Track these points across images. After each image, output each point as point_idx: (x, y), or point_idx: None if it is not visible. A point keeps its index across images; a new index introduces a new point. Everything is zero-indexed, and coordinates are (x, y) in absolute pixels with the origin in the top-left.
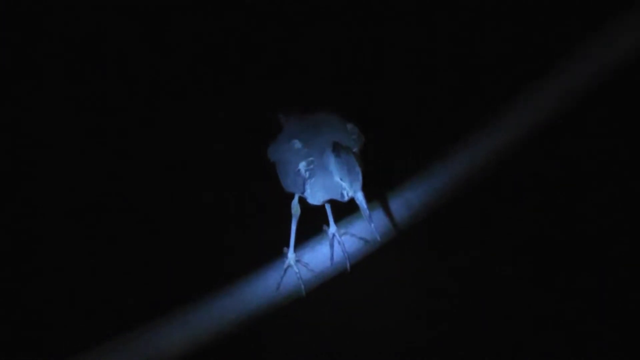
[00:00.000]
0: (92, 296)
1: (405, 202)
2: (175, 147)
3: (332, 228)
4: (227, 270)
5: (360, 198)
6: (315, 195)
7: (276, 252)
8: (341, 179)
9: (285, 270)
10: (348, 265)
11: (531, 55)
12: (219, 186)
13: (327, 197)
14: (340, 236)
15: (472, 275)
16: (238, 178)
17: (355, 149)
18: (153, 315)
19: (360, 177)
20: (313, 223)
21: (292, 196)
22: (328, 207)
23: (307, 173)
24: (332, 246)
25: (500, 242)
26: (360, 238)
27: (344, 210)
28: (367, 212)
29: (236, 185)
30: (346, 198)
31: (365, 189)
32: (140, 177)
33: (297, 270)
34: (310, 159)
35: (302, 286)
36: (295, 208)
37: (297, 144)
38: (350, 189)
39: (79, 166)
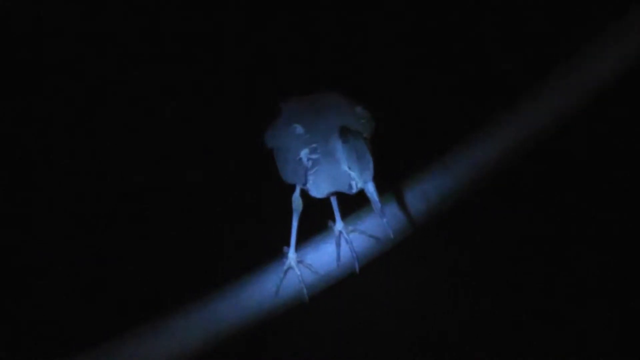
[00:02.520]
0: (83, 299)
1: (422, 194)
2: (169, 143)
3: (339, 224)
4: (219, 272)
5: (371, 189)
6: (319, 187)
7: (275, 252)
8: (349, 168)
9: (285, 272)
10: (357, 266)
11: (557, 41)
12: (212, 178)
13: (333, 189)
14: (347, 234)
15: (497, 277)
16: (232, 169)
17: (365, 134)
18: (138, 323)
19: (371, 165)
20: (317, 219)
21: (292, 188)
22: (334, 201)
23: (310, 162)
24: (338, 245)
25: (527, 240)
26: (371, 236)
27: (352, 204)
28: (379, 205)
29: (230, 177)
30: (355, 190)
31: (377, 179)
32: (135, 176)
33: (298, 273)
34: (314, 145)
35: (305, 290)
36: (297, 202)
37: (299, 129)
38: (360, 179)
39: (79, 166)
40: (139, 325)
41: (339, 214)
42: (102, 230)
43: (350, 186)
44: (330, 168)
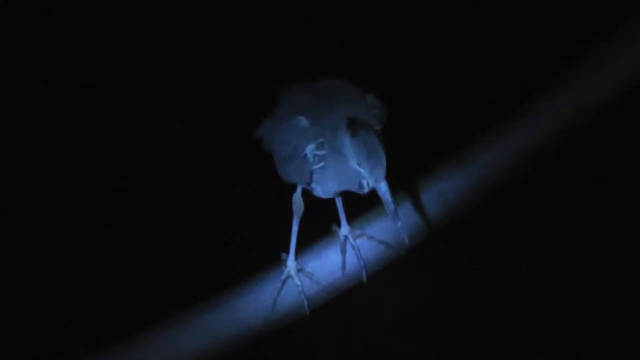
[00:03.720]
0: (72, 307)
1: (438, 195)
2: (165, 148)
3: (345, 229)
4: (210, 282)
5: (383, 189)
6: (326, 187)
7: (273, 259)
8: (359, 165)
9: (284, 281)
10: (364, 275)
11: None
12: (202, 176)
13: (341, 189)
14: (354, 239)
15: (519, 288)
16: (223, 166)
17: (377, 127)
18: (117, 337)
19: (383, 162)
20: (320, 222)
21: (291, 188)
22: (339, 202)
23: (316, 158)
24: (343, 252)
25: (557, 245)
26: (380, 241)
27: (359, 205)
28: (392, 206)
29: (222, 175)
30: (366, 189)
31: (389, 177)
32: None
33: (298, 283)
34: (320, 140)
35: (305, 302)
36: (298, 203)
37: (303, 121)
38: (371, 177)
39: (79, 167)
40: (117, 341)
41: (345, 216)
42: (93, 240)
43: (360, 185)
44: (339, 165)
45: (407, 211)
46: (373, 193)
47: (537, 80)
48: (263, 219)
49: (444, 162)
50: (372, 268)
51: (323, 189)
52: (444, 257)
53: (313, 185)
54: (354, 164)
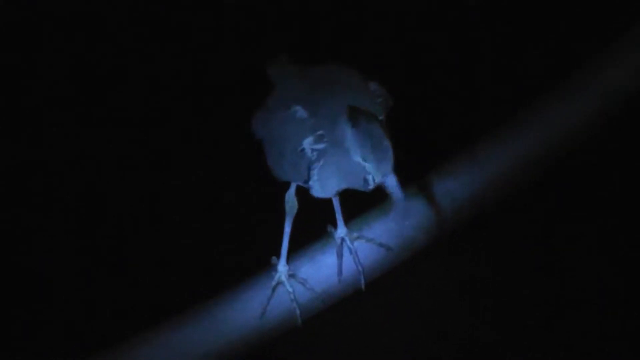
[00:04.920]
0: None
1: (446, 194)
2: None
3: (342, 230)
4: (192, 289)
5: (392, 183)
6: (326, 184)
7: (262, 263)
8: (364, 159)
9: (274, 288)
10: (362, 282)
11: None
12: (184, 173)
13: (343, 187)
14: (352, 241)
15: (532, 297)
16: (208, 161)
17: (381, 117)
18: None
19: (390, 154)
20: (314, 223)
21: (282, 185)
22: (336, 201)
23: (315, 153)
24: (340, 255)
25: (572, 251)
26: (381, 244)
27: (358, 205)
28: (403, 202)
29: (206, 172)
30: (372, 185)
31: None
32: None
33: (290, 290)
34: (320, 132)
35: (298, 312)
36: (291, 202)
37: (300, 112)
38: (378, 172)
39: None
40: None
41: (342, 217)
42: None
43: (365, 181)
44: (340, 160)
45: (411, 212)
46: (374, 191)
47: (551, 77)
48: (251, 220)
49: (452, 158)
50: (371, 274)
51: (322, 187)
52: (449, 262)
53: (311, 183)
54: (357, 157)
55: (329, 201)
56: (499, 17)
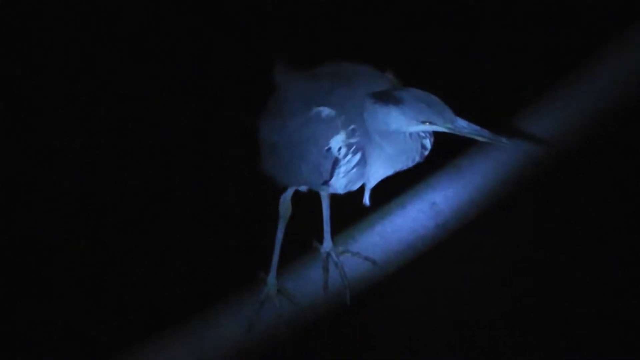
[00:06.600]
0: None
1: (430, 206)
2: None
3: (327, 244)
4: (178, 304)
5: (463, 124)
6: (375, 174)
7: (249, 275)
8: (425, 122)
9: (262, 303)
10: (348, 296)
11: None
12: (165, 179)
13: (390, 172)
14: (337, 256)
15: (520, 301)
16: (191, 167)
17: None
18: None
19: (443, 103)
20: (299, 236)
21: (273, 191)
22: (326, 213)
23: (344, 150)
24: (326, 270)
25: (558, 267)
26: (366, 258)
27: (343, 219)
28: (487, 133)
29: (189, 178)
30: (428, 150)
31: (373, 189)
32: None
33: (278, 305)
34: (352, 127)
35: (285, 327)
36: (286, 205)
37: (326, 111)
38: (445, 123)
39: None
40: None
41: (330, 229)
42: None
43: (423, 147)
44: (388, 145)
45: (392, 226)
46: (360, 204)
47: (538, 83)
48: (238, 228)
49: (436, 170)
50: (357, 287)
51: (349, 182)
52: (434, 276)
53: (332, 181)
54: (410, 128)
55: (316, 213)
56: (479, 34)
